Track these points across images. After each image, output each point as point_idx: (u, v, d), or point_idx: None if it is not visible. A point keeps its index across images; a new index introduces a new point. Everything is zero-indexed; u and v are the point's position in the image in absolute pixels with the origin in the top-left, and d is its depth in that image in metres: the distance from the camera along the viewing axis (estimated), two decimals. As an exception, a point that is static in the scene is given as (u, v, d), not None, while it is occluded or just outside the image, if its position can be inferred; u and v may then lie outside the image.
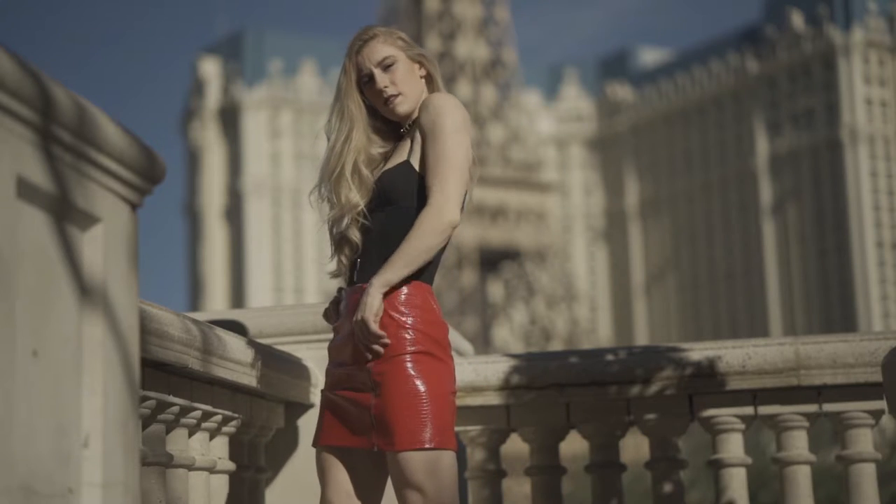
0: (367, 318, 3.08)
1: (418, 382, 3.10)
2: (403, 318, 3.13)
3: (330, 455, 3.25)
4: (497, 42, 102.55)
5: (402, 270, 3.10)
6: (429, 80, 3.34)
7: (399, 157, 3.24)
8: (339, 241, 3.27)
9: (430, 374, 3.12)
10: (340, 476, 3.23)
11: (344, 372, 3.21)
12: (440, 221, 3.10)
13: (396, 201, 3.19)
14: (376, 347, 3.11)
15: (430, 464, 3.09)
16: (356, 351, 3.18)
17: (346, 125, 3.27)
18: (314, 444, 3.29)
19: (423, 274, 3.18)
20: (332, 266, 3.32)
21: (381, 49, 3.27)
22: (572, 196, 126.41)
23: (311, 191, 3.34)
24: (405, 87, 3.26)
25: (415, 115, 3.29)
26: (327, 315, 3.37)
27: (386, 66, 3.26)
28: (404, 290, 3.14)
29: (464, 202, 3.22)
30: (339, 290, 3.32)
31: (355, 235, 3.21)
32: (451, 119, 3.16)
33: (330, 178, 3.26)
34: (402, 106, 3.26)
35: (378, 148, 3.30)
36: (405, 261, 3.10)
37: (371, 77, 3.27)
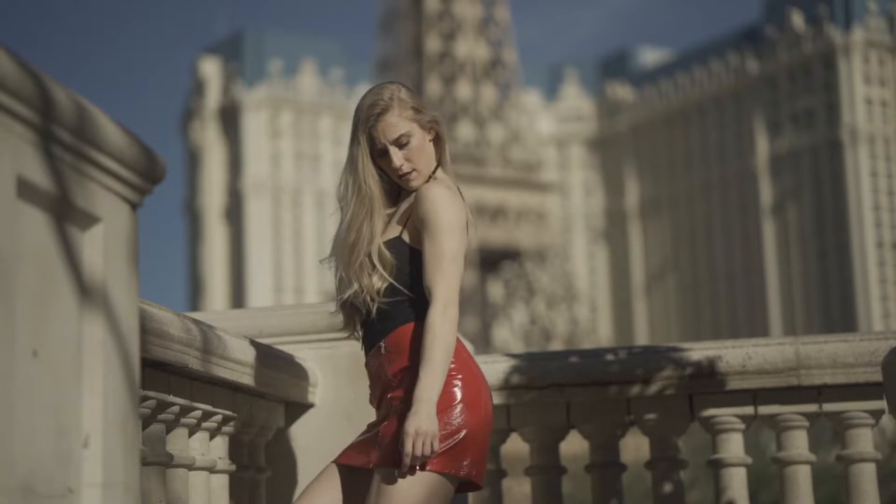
0: (429, 439, 3.04)
1: (448, 417, 3.11)
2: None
3: (328, 470, 3.26)
4: (497, 42, 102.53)
5: (439, 379, 3.09)
6: (437, 140, 3.35)
7: (394, 229, 3.26)
8: (349, 307, 3.30)
9: (449, 400, 3.12)
10: (314, 493, 3.23)
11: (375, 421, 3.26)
12: (449, 321, 3.12)
13: (393, 272, 3.21)
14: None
15: (401, 486, 3.06)
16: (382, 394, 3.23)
17: (366, 205, 3.27)
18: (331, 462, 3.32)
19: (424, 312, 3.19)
20: (339, 321, 3.36)
21: (396, 125, 3.26)
22: (572, 196, 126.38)
23: (323, 259, 3.35)
24: (419, 162, 3.27)
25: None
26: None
27: (401, 144, 3.26)
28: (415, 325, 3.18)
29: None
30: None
31: (365, 307, 3.24)
32: (446, 216, 3.18)
33: (349, 262, 3.25)
34: (416, 181, 3.28)
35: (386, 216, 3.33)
36: (436, 370, 3.09)
37: (385, 152, 3.27)
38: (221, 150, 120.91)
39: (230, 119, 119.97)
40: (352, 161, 3.29)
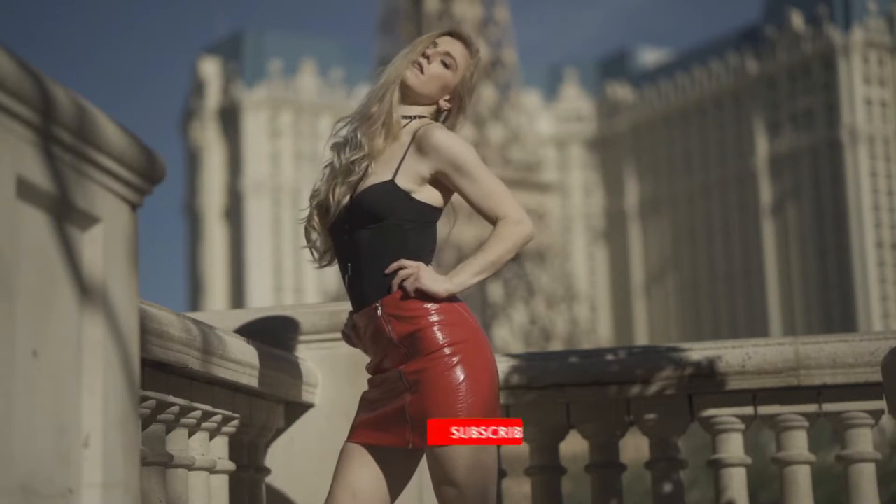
0: (411, 279, 3.11)
1: (454, 377, 3.09)
2: (427, 318, 3.13)
3: (354, 450, 3.23)
4: (497, 42, 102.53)
5: (482, 276, 3.16)
6: (451, 112, 3.37)
7: (383, 173, 3.23)
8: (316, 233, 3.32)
9: (466, 364, 3.11)
10: (353, 474, 3.21)
11: (382, 387, 3.23)
12: (525, 236, 3.19)
13: (383, 218, 3.19)
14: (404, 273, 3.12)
15: (467, 458, 3.08)
16: (385, 359, 3.20)
17: (396, 77, 3.31)
18: (348, 440, 3.28)
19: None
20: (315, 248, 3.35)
21: (460, 52, 3.34)
22: (572, 196, 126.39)
23: (339, 120, 3.37)
24: (431, 81, 3.31)
25: (405, 112, 3.31)
26: (347, 337, 3.38)
27: (443, 62, 3.31)
28: (433, 304, 3.16)
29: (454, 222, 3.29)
30: (350, 314, 3.32)
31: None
32: (469, 154, 3.23)
33: (368, 119, 3.28)
34: (413, 79, 3.30)
35: (382, 140, 3.29)
36: (487, 267, 3.16)
37: (428, 56, 3.31)
38: (221, 151, 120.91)
39: (230, 119, 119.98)
40: (414, 44, 3.36)
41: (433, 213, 3.25)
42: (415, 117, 3.32)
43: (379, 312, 3.18)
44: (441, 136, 3.22)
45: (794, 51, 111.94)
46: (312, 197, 3.35)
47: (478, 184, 3.20)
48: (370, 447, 3.21)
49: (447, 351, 3.10)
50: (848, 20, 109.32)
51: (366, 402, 3.28)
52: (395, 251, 3.17)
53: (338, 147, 3.33)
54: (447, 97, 3.36)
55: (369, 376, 3.30)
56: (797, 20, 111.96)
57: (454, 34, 3.37)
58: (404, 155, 3.23)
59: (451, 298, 3.17)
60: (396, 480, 3.25)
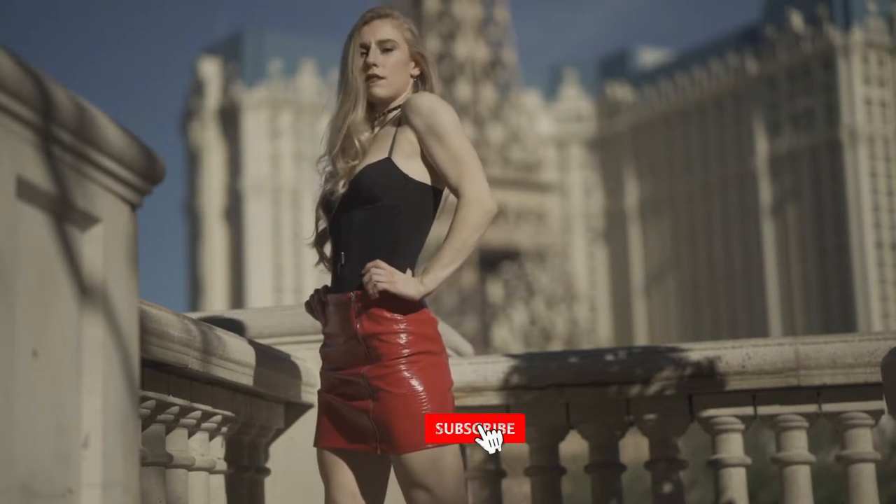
0: (382, 279, 3.08)
1: (415, 383, 3.10)
2: (395, 324, 3.12)
3: (332, 455, 3.25)
4: (497, 42, 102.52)
5: (452, 267, 3.12)
6: (422, 79, 3.34)
7: (378, 154, 3.20)
8: (322, 235, 3.29)
9: (427, 372, 3.12)
10: (344, 476, 3.23)
11: (337, 378, 3.21)
12: (484, 213, 3.12)
13: (379, 198, 3.15)
14: (377, 279, 3.09)
15: (433, 462, 3.10)
16: (350, 359, 3.18)
17: (351, 98, 3.27)
18: (315, 444, 3.29)
19: (409, 262, 3.18)
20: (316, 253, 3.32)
21: (388, 31, 3.28)
22: (572, 196, 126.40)
23: (318, 159, 3.34)
24: (392, 75, 3.27)
25: (390, 105, 3.29)
26: (311, 309, 3.34)
27: (385, 49, 3.27)
28: (401, 312, 3.14)
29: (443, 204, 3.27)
30: (324, 289, 3.29)
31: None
32: (448, 117, 3.17)
33: (335, 146, 3.25)
34: (381, 90, 3.26)
35: (365, 133, 3.27)
36: (454, 256, 3.11)
37: (368, 49, 3.27)
38: (221, 151, 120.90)
39: (230, 119, 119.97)
40: (343, 57, 3.31)
41: (428, 196, 3.20)
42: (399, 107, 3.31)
43: (352, 303, 3.16)
44: (423, 97, 3.21)
45: (794, 51, 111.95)
46: (317, 241, 3.32)
47: (448, 148, 3.15)
48: (342, 452, 3.23)
49: (407, 360, 3.10)
50: (848, 20, 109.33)
51: (326, 404, 3.26)
52: (387, 234, 3.15)
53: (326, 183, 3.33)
54: (412, 67, 3.33)
55: (323, 345, 3.28)
56: (797, 20, 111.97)
57: (366, 20, 3.30)
58: (396, 131, 3.22)
59: (420, 305, 3.16)
60: (376, 480, 3.27)
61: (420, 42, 3.33)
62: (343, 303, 3.18)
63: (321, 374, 3.31)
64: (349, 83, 3.27)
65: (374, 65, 3.25)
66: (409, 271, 3.16)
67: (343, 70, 3.30)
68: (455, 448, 3.15)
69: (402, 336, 3.12)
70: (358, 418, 3.16)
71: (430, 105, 3.18)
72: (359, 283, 3.15)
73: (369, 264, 3.12)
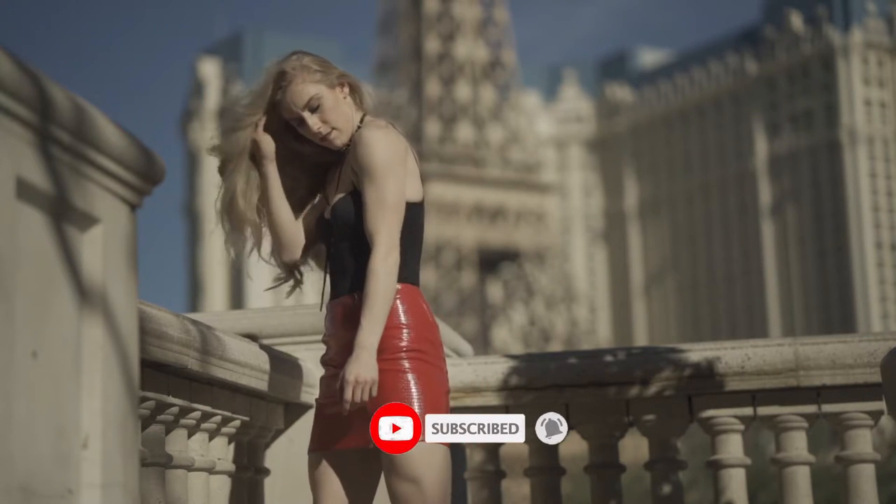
0: (368, 386, 3.09)
1: (411, 378, 3.14)
2: (397, 324, 3.17)
3: (323, 462, 3.26)
4: (496, 43, 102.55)
5: (380, 325, 3.12)
6: (353, 91, 3.36)
7: (345, 186, 3.29)
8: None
9: (423, 372, 3.16)
10: (334, 485, 3.25)
11: (335, 380, 3.23)
12: (390, 267, 3.14)
13: (356, 225, 3.23)
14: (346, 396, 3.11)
15: (425, 456, 3.12)
16: (348, 358, 3.20)
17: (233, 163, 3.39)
18: (309, 452, 3.30)
19: (408, 276, 3.22)
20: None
21: (303, 90, 3.28)
22: (571, 197, 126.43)
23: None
24: (337, 120, 3.30)
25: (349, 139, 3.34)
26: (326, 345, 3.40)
27: (313, 108, 3.29)
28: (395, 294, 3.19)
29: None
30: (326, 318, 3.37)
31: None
32: (379, 155, 3.19)
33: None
34: (339, 139, 3.31)
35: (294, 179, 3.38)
36: (377, 315, 3.12)
37: (301, 120, 3.30)
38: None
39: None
40: (237, 117, 3.37)
41: (407, 209, 3.24)
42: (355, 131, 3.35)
43: (356, 300, 3.22)
44: (369, 133, 3.23)
45: (794, 52, 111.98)
46: None
47: (370, 190, 3.19)
48: (333, 456, 3.24)
49: (404, 356, 3.15)
50: (847, 21, 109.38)
51: (320, 410, 3.30)
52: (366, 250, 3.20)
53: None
54: (342, 89, 3.34)
55: (324, 354, 3.34)
56: (796, 21, 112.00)
57: (275, 99, 3.33)
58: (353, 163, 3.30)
59: (421, 311, 3.21)
60: (365, 485, 3.28)
61: (329, 66, 3.34)
62: (345, 303, 3.25)
63: (321, 381, 3.34)
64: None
65: (319, 129, 3.29)
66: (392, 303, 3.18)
67: (234, 128, 3.37)
68: (445, 449, 3.17)
69: (403, 333, 3.17)
70: (352, 416, 3.18)
71: (368, 141, 3.21)
72: (358, 286, 3.21)
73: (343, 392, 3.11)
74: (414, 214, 3.26)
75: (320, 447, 3.27)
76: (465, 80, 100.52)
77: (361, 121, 3.33)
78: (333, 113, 3.29)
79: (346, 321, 3.23)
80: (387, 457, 3.15)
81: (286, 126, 3.35)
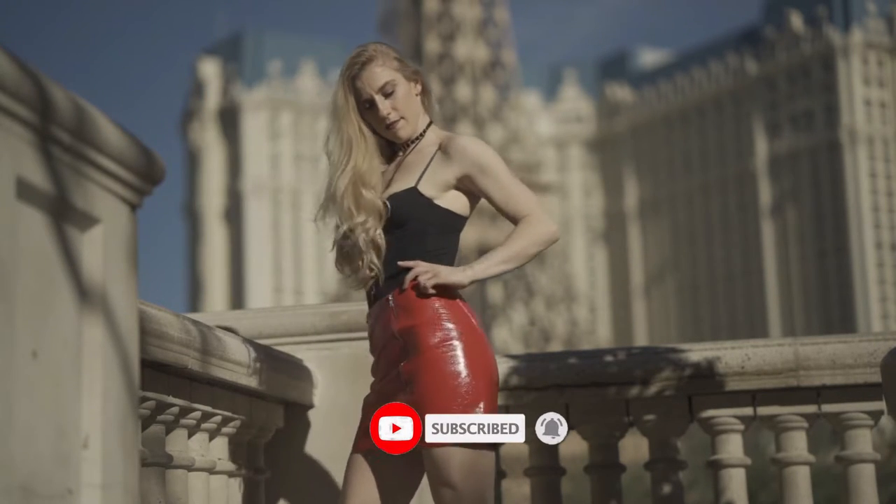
0: (434, 278, 3.14)
1: (448, 369, 3.10)
2: (429, 312, 3.16)
3: (359, 461, 3.23)
4: (496, 43, 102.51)
5: (503, 267, 3.21)
6: (424, 92, 3.38)
7: (405, 182, 3.27)
8: (356, 251, 3.28)
9: (461, 359, 3.12)
10: (362, 488, 3.21)
11: (381, 386, 3.24)
12: (549, 233, 3.27)
13: (405, 223, 3.23)
14: (423, 279, 3.14)
15: (466, 463, 3.09)
16: (387, 363, 3.21)
17: (346, 152, 3.31)
18: (353, 451, 3.28)
19: (452, 293, 3.22)
20: (357, 276, 3.32)
21: (380, 74, 3.29)
22: (571, 197, 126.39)
23: (315, 216, 3.36)
24: (406, 111, 3.31)
25: (415, 134, 3.34)
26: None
27: (387, 93, 3.29)
28: (436, 301, 3.19)
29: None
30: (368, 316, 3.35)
31: (380, 239, 3.25)
32: (496, 158, 3.28)
33: (335, 203, 3.30)
34: (405, 130, 3.31)
35: (381, 168, 3.34)
36: (509, 259, 3.20)
37: (372, 102, 3.30)
38: (221, 151, 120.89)
39: (229, 120, 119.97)
40: (335, 109, 3.33)
41: (456, 220, 3.29)
42: (424, 131, 3.35)
43: (391, 303, 3.21)
44: (468, 140, 3.29)
45: (794, 52, 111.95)
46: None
47: (502, 186, 3.26)
48: (374, 456, 3.21)
49: (441, 347, 3.12)
50: (847, 21, 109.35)
51: (367, 408, 3.28)
52: (414, 252, 3.21)
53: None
54: (416, 84, 3.35)
55: (373, 380, 3.32)
56: (796, 21, 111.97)
57: (354, 74, 3.31)
58: (429, 162, 3.28)
59: (455, 296, 3.20)
60: (402, 488, 3.25)
61: (407, 61, 3.35)
62: (382, 307, 3.24)
63: (371, 385, 3.33)
64: (343, 140, 3.31)
65: (388, 114, 3.29)
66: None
67: (335, 119, 3.33)
68: (490, 452, 3.14)
69: (435, 324, 3.15)
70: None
71: (474, 146, 3.28)
72: (394, 289, 3.21)
73: (409, 262, 3.18)
74: (460, 227, 3.31)
75: (361, 447, 3.23)
76: (466, 80, 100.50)
77: (428, 126, 3.36)
78: (405, 102, 3.30)
79: (385, 328, 3.22)
80: (428, 460, 3.12)
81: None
